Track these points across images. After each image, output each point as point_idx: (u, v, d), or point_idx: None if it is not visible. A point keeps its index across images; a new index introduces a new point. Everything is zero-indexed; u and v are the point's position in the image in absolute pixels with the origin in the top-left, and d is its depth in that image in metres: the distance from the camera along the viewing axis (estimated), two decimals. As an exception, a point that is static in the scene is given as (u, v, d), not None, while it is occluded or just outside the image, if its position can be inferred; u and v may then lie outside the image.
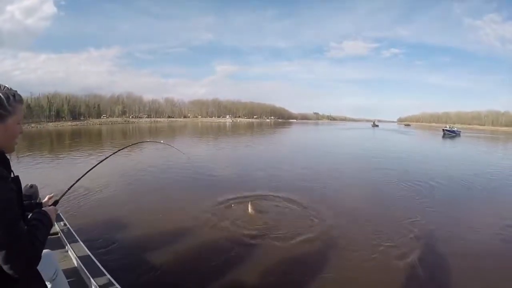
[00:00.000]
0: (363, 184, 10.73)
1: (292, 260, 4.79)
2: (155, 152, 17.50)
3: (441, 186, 10.22)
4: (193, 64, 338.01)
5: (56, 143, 28.73)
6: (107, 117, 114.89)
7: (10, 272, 1.16)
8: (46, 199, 1.89)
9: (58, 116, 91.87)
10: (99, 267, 3.01)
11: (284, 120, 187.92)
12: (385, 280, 4.32)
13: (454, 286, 4.29)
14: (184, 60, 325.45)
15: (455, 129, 55.34)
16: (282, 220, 6.37)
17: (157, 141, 5.03)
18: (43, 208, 1.58)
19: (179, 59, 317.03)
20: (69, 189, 2.08)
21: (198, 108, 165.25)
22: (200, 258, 4.80)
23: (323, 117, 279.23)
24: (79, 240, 3.61)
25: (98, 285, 2.70)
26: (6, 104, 1.30)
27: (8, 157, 1.37)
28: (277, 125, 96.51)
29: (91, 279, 2.78)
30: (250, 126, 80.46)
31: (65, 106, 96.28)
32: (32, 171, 11.79)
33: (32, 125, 71.21)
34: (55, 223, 3.22)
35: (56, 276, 2.07)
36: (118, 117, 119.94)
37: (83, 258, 3.17)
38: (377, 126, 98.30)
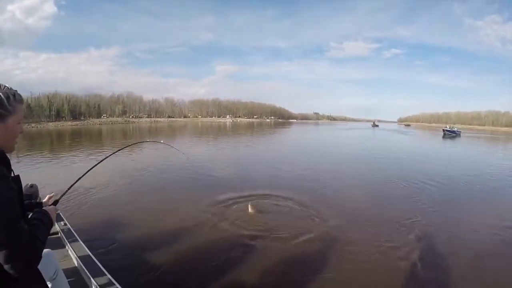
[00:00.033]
0: (363, 184, 10.73)
1: (292, 260, 4.79)
2: (155, 152, 17.50)
3: (441, 186, 10.21)
4: (193, 64, 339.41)
5: (56, 143, 28.71)
6: (107, 117, 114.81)
7: (10, 271, 1.16)
8: (46, 198, 1.90)
9: (58, 116, 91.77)
10: (99, 267, 3.01)
11: (284, 120, 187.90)
12: (386, 280, 4.32)
13: (454, 286, 4.28)
14: (184, 60, 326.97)
15: (455, 129, 55.33)
16: (282, 220, 6.37)
17: (157, 141, 5.03)
18: (43, 208, 1.58)
19: (179, 58, 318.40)
20: (69, 188, 2.09)
21: (198, 108, 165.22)
22: (200, 258, 4.80)
23: (323, 117, 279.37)
24: (79, 239, 3.61)
25: (99, 285, 2.70)
26: (7, 104, 1.30)
27: (8, 156, 1.37)
28: (277, 125, 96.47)
29: (92, 279, 2.78)
30: (250, 126, 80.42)
31: (65, 106, 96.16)
32: (32, 170, 11.79)
33: (32, 124, 71.10)
34: (55, 222, 3.22)
35: (57, 275, 2.06)
36: (118, 117, 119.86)
37: (83, 258, 3.17)
38: (377, 126, 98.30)
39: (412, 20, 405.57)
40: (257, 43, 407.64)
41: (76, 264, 3.22)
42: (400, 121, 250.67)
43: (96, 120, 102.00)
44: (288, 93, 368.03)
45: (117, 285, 2.73)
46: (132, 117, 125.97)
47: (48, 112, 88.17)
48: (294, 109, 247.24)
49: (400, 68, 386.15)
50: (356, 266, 4.62)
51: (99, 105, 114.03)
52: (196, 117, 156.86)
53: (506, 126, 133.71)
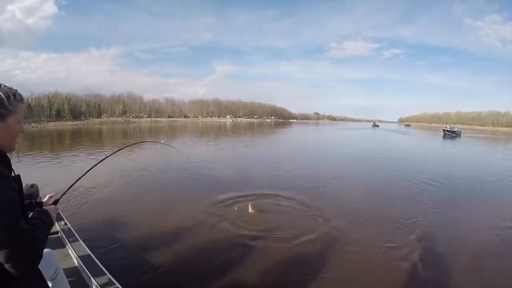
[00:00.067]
0: (363, 184, 10.72)
1: (292, 260, 4.79)
2: (156, 152, 17.51)
3: (442, 186, 10.21)
4: (193, 64, 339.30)
5: (57, 143, 28.72)
6: (107, 117, 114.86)
7: (11, 270, 1.16)
8: (46, 198, 1.90)
9: (59, 115, 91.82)
10: (99, 267, 3.01)
11: (284, 120, 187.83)
12: (386, 280, 4.32)
13: (455, 286, 4.28)
14: (184, 60, 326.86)
15: (456, 129, 55.31)
16: (282, 220, 6.37)
17: (158, 141, 5.02)
18: (43, 207, 1.58)
19: (179, 58, 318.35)
20: (69, 188, 2.09)
21: (198, 108, 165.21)
22: (200, 258, 4.80)
23: (323, 117, 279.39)
24: (79, 239, 3.61)
25: (99, 285, 2.70)
26: (7, 103, 1.30)
27: (9, 156, 1.37)
28: (277, 125, 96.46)
29: (92, 278, 2.78)
30: (250, 126, 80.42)
31: (66, 106, 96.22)
32: (33, 170, 11.80)
33: (33, 124, 71.13)
34: (56, 222, 3.22)
35: (57, 275, 2.06)
36: (118, 116, 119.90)
37: (83, 258, 3.17)
38: (377, 126, 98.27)
39: (412, 20, 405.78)
40: (257, 43, 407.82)
41: (77, 264, 3.22)
42: (400, 121, 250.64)
43: (97, 120, 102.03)
44: (288, 93, 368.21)
45: (118, 284, 2.73)
46: (133, 117, 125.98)
47: (48, 112, 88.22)
48: (294, 109, 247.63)
49: (400, 68, 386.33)
50: (357, 266, 4.62)
51: (99, 105, 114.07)
52: (197, 117, 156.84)
53: (507, 126, 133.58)
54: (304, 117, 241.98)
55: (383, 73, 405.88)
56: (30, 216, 1.45)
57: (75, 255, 3.26)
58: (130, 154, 16.04)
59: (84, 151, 19.45)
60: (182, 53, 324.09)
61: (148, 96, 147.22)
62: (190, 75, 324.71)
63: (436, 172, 12.54)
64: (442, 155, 22.70)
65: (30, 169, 11.87)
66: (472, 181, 11.36)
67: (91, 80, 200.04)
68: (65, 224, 3.99)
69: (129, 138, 34.05)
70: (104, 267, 3.01)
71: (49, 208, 1.57)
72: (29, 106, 78.13)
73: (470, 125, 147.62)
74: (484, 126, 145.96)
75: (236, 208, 6.95)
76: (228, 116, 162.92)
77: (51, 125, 75.53)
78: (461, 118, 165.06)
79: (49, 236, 1.46)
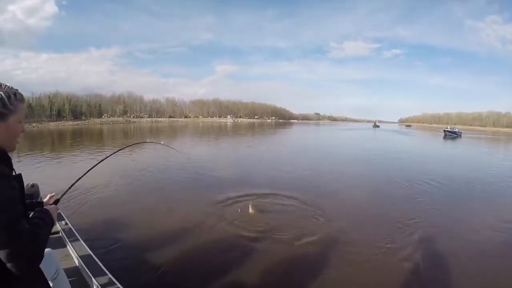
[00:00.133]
0: (364, 184, 10.71)
1: (292, 260, 4.79)
2: (156, 152, 17.49)
3: (442, 187, 10.20)
4: (193, 64, 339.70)
5: (57, 143, 28.75)
6: (108, 117, 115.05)
7: (13, 270, 1.16)
8: (47, 198, 1.89)
9: (59, 115, 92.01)
10: (100, 267, 3.00)
11: (285, 121, 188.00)
12: (387, 281, 4.32)
13: (455, 286, 4.27)
14: (184, 60, 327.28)
15: (456, 130, 55.26)
16: (282, 221, 6.37)
17: (157, 142, 5.03)
18: (44, 207, 1.58)
19: (179, 58, 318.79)
20: (69, 188, 2.09)
21: (199, 108, 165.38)
22: (201, 258, 4.80)
23: (324, 117, 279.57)
24: (80, 239, 3.61)
25: (100, 285, 2.70)
26: (8, 103, 1.30)
27: (10, 155, 1.37)
28: (278, 126, 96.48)
29: (92, 278, 2.78)
30: (251, 126, 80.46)
31: (66, 106, 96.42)
32: (33, 170, 11.80)
33: (34, 124, 71.26)
34: (56, 222, 3.22)
35: (57, 275, 2.06)
36: (119, 116, 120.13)
37: (84, 258, 3.17)
38: (378, 126, 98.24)
39: (412, 20, 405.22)
40: (257, 43, 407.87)
41: (77, 264, 3.22)
42: (401, 121, 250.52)
43: (97, 120, 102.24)
44: (288, 93, 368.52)
45: (118, 284, 2.73)
46: (133, 117, 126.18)
47: (49, 112, 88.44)
48: (294, 110, 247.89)
49: (400, 69, 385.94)
50: (358, 267, 4.61)
51: (100, 105, 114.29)
52: (197, 117, 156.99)
53: (507, 127, 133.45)
54: (305, 118, 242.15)
55: (384, 73, 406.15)
56: (31, 215, 1.44)
57: (76, 255, 3.26)
58: (131, 154, 16.04)
59: (84, 151, 19.47)
60: (182, 53, 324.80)
61: (148, 96, 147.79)
62: (190, 75, 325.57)
63: (437, 173, 12.52)
64: (442, 156, 22.69)
65: (30, 169, 11.88)
66: (472, 181, 11.34)
67: (92, 80, 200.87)
68: (66, 224, 3.99)
69: (130, 138, 34.08)
70: (105, 267, 3.01)
71: (50, 207, 1.57)
72: (29, 106, 78.25)
73: (470, 125, 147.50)
74: (485, 126, 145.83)
75: (237, 209, 6.94)
76: (228, 116, 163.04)
77: (52, 125, 75.69)
78: (462, 119, 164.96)
79: (50, 236, 1.45)
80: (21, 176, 1.42)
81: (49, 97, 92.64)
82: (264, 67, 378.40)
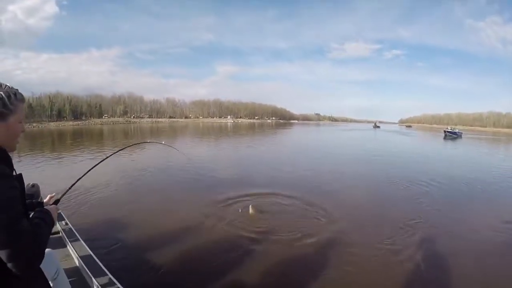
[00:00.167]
0: (364, 185, 10.70)
1: (292, 261, 4.78)
2: (156, 152, 17.49)
3: (443, 187, 10.20)
4: (194, 64, 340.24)
5: (58, 143, 28.77)
6: (108, 117, 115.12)
7: (13, 270, 1.16)
8: (47, 198, 1.89)
9: (60, 116, 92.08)
10: (100, 267, 3.00)
11: (285, 121, 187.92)
12: (388, 282, 4.31)
13: (455, 286, 4.27)
14: (185, 61, 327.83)
15: (457, 130, 55.22)
16: (283, 221, 6.36)
17: (158, 142, 5.05)
18: (44, 207, 1.58)
19: (180, 59, 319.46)
20: (70, 188, 2.09)
21: (199, 108, 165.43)
22: (201, 258, 4.80)
23: (324, 118, 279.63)
24: (80, 239, 3.61)
25: (100, 285, 2.69)
26: (8, 103, 1.30)
27: (10, 155, 1.37)
28: (278, 126, 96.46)
29: (93, 278, 2.77)
30: (251, 127, 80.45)
31: (67, 106, 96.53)
32: (33, 170, 11.80)
33: (34, 124, 71.35)
34: (57, 222, 3.22)
35: (58, 275, 2.06)
36: (119, 117, 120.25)
37: (84, 258, 3.17)
38: (378, 127, 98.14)
39: (412, 20, 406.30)
40: (257, 43, 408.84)
41: (77, 264, 3.22)
42: (402, 122, 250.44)
43: (98, 120, 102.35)
44: (289, 94, 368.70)
45: (119, 285, 2.73)
46: (133, 117, 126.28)
47: (49, 112, 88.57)
48: (295, 110, 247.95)
49: (401, 69, 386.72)
50: (358, 267, 4.61)
51: (100, 105, 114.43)
52: (197, 117, 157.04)
53: (508, 127, 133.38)
54: (305, 118, 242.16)
55: (385, 74, 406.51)
56: (31, 216, 1.45)
57: (76, 255, 3.26)
58: (131, 155, 16.04)
59: (84, 151, 19.46)
60: (183, 53, 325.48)
61: (149, 97, 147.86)
62: (191, 76, 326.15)
63: (437, 173, 12.51)
64: (443, 156, 22.67)
65: (30, 169, 11.88)
66: (473, 182, 11.32)
67: (92, 80, 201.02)
68: (66, 224, 3.99)
69: (130, 139, 34.06)
70: (105, 267, 3.00)
71: (50, 208, 1.57)
72: (30, 106, 78.38)
73: (471, 126, 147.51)
74: (485, 127, 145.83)
75: (238, 210, 6.93)
76: (229, 117, 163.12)
77: (52, 125, 75.76)
78: (462, 119, 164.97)
79: (50, 236, 1.46)
80: (22, 176, 1.42)
81: (49, 97, 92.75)
82: (265, 68, 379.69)
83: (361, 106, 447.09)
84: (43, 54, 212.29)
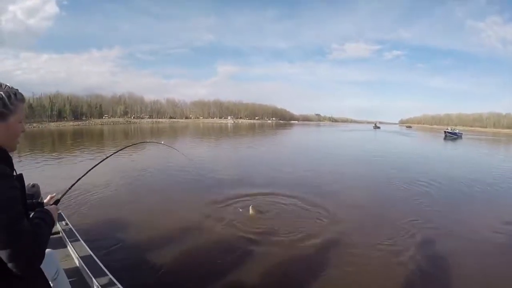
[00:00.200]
0: (364, 185, 10.70)
1: (292, 262, 4.78)
2: (156, 152, 17.50)
3: (443, 188, 10.20)
4: (194, 65, 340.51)
5: (58, 143, 28.78)
6: (109, 117, 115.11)
7: (14, 270, 1.16)
8: (47, 198, 1.89)
9: (60, 116, 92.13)
10: (101, 267, 3.00)
11: (285, 122, 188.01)
12: (388, 282, 4.30)
13: (455, 287, 4.27)
14: (186, 61, 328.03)
15: (457, 131, 55.16)
16: (283, 222, 6.36)
17: (158, 142, 5.04)
18: (45, 207, 1.58)
19: (180, 60, 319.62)
20: (70, 188, 2.09)
21: (199, 109, 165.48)
22: (201, 259, 4.80)
23: (324, 118, 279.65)
24: (80, 239, 3.60)
25: (100, 285, 2.69)
26: (8, 103, 1.30)
27: (10, 155, 1.37)
28: (278, 127, 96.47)
29: (93, 279, 2.77)
30: (251, 127, 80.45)
31: (67, 106, 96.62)
32: (34, 170, 11.81)
33: (34, 124, 71.41)
34: (57, 222, 3.22)
35: (58, 275, 2.06)
36: (120, 117, 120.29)
37: (84, 258, 3.16)
38: (378, 128, 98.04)
39: (412, 21, 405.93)
40: (258, 43, 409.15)
41: (78, 264, 3.21)
42: (402, 122, 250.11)
43: (98, 121, 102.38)
44: (289, 94, 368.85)
45: (119, 285, 2.72)
46: (134, 117, 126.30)
47: (49, 112, 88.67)
48: (295, 110, 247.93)
49: (401, 70, 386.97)
50: (358, 268, 4.60)
51: (100, 105, 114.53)
52: (198, 118, 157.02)
53: (508, 128, 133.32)
54: (305, 119, 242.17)
55: (385, 75, 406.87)
56: (31, 216, 1.45)
57: (76, 255, 3.25)
58: (131, 155, 16.04)
59: (85, 151, 19.48)
60: (183, 54, 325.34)
61: (149, 97, 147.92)
62: (192, 76, 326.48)
63: (437, 174, 12.51)
64: (443, 157, 22.66)
65: (31, 169, 11.88)
66: (473, 182, 11.31)
67: (92, 80, 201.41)
68: (66, 224, 3.99)
69: (130, 139, 34.05)
70: (105, 267, 3.00)
71: (51, 208, 1.57)
72: (30, 106, 78.47)
73: (471, 126, 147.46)
74: (485, 127, 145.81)
75: (238, 210, 6.94)
76: (229, 117, 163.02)
77: (53, 125, 75.80)
78: (462, 120, 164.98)
79: (50, 236, 1.46)
80: (22, 176, 1.42)
81: (49, 98, 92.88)
82: (265, 68, 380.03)
83: (361, 106, 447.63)
84: (44, 54, 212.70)
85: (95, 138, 35.46)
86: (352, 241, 5.57)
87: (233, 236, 5.60)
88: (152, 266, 4.43)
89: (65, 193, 2.00)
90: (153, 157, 16.18)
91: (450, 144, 36.48)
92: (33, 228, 1.27)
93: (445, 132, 53.54)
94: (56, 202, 1.83)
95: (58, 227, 3.86)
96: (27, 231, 1.20)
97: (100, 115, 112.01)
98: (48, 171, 12.04)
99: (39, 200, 2.22)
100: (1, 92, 1.30)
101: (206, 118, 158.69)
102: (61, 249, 3.52)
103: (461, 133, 55.47)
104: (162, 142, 4.95)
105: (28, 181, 1.68)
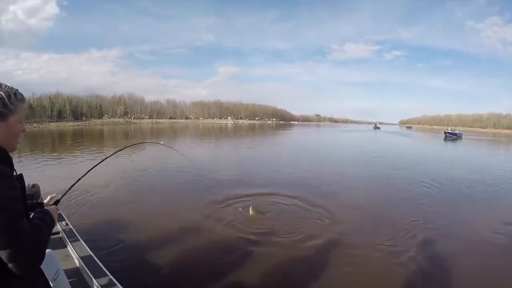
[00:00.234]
0: (365, 186, 10.70)
1: (293, 262, 4.77)
2: (156, 153, 17.49)
3: (443, 188, 10.19)
4: (194, 65, 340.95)
5: (58, 143, 28.77)
6: (109, 118, 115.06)
7: (14, 270, 1.16)
8: (47, 199, 1.89)
9: (60, 116, 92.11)
10: (101, 267, 2.99)
11: (285, 122, 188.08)
12: (389, 282, 4.30)
13: (456, 287, 4.27)
14: (186, 61, 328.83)
15: (457, 131, 55.13)
16: (283, 222, 6.35)
17: (157, 142, 5.05)
18: (44, 208, 1.57)
19: (180, 60, 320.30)
20: (70, 188, 2.08)
21: (199, 109, 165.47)
22: (201, 259, 4.79)
23: (324, 119, 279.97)
24: (80, 240, 3.60)
25: (100, 285, 2.68)
26: (8, 103, 1.30)
27: (11, 155, 1.37)
28: (278, 127, 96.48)
29: (93, 279, 2.76)
30: (251, 128, 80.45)
31: (67, 107, 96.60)
32: (33, 170, 11.80)
33: (34, 125, 71.40)
34: (57, 222, 3.21)
35: (58, 276, 2.05)
36: (120, 117, 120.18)
37: (84, 258, 3.16)
38: (378, 128, 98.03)
39: (412, 22, 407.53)
40: (258, 44, 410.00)
41: (78, 265, 3.21)
42: (402, 123, 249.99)
43: (98, 121, 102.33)
44: (289, 95, 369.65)
45: (119, 285, 2.72)
46: (134, 118, 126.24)
47: (50, 113, 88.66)
48: (295, 111, 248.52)
49: (401, 71, 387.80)
50: (359, 269, 4.60)
51: (100, 106, 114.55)
52: (198, 118, 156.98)
53: (508, 128, 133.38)
54: (305, 119, 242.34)
55: (385, 75, 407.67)
56: (31, 216, 1.44)
57: (76, 255, 3.25)
58: (130, 156, 16.04)
59: (85, 151, 19.49)
60: (183, 54, 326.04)
61: (149, 97, 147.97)
62: (192, 77, 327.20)
63: (437, 174, 12.51)
64: (443, 157, 22.65)
65: (31, 169, 11.88)
66: (473, 183, 11.30)
67: (92, 81, 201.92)
68: (66, 224, 3.98)
69: (130, 139, 34.03)
70: (106, 267, 2.99)
71: (50, 208, 1.57)
72: (30, 106, 78.48)
73: (471, 127, 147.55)
74: (485, 128, 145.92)
75: (238, 211, 6.93)
76: (229, 118, 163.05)
77: (53, 126, 75.80)
78: (462, 120, 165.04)
79: (50, 237, 1.45)
80: (23, 177, 1.42)
81: (50, 98, 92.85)
82: (265, 68, 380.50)
83: (361, 107, 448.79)
84: (44, 54, 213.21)
85: (95, 139, 35.46)
86: (353, 241, 5.56)
87: (233, 236, 5.59)
88: (152, 266, 4.42)
89: (65, 194, 2.00)
90: (153, 158, 16.18)
91: (450, 145, 36.48)
92: (33, 228, 1.27)
93: (445, 132, 53.51)
94: (56, 202, 1.83)
95: (58, 227, 3.86)
96: (27, 231, 1.20)
97: (100, 116, 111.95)
98: (48, 171, 12.03)
99: (39, 201, 2.22)
100: (1, 92, 1.30)
101: (206, 118, 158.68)
102: (61, 250, 3.51)
103: (461, 134, 55.43)
104: (162, 143, 4.95)
105: (28, 181, 1.68)
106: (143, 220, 6.38)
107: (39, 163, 13.90)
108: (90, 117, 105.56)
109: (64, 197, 1.97)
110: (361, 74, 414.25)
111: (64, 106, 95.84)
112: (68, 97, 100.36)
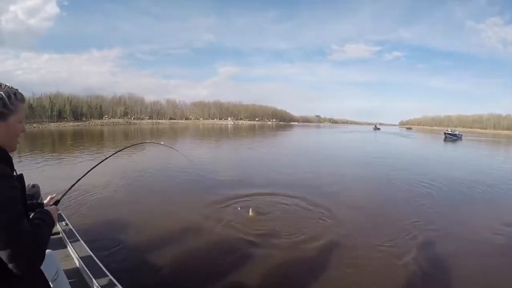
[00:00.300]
0: (365, 187, 10.69)
1: (293, 263, 4.77)
2: (156, 153, 17.48)
3: (443, 189, 10.19)
4: (194, 65, 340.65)
5: (58, 143, 28.77)
6: (109, 118, 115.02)
7: (14, 270, 1.16)
8: (47, 199, 1.89)
9: (60, 116, 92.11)
10: (101, 268, 2.98)
11: (285, 123, 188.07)
12: (389, 283, 4.30)
13: (456, 287, 4.27)
14: (186, 61, 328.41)
15: (457, 132, 55.12)
16: (282, 222, 6.35)
17: (157, 142, 5.07)
18: (44, 208, 1.57)
19: (180, 60, 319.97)
20: (70, 188, 2.08)
21: (200, 110, 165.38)
22: (202, 260, 4.79)
23: (324, 120, 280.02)
24: (80, 240, 3.59)
25: (100, 286, 2.68)
26: (8, 103, 1.30)
27: (11, 155, 1.36)
28: (278, 128, 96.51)
29: (93, 279, 2.76)
30: (252, 129, 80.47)
31: (67, 107, 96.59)
32: (33, 170, 11.80)
33: (34, 125, 71.41)
34: (57, 223, 3.21)
35: (57, 276, 2.05)
36: (120, 118, 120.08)
37: (85, 259, 3.15)
38: (378, 129, 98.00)
39: (413, 22, 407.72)
40: (258, 44, 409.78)
41: (78, 265, 3.20)
42: (402, 124, 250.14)
43: (98, 121, 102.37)
44: (289, 95, 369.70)
45: (119, 286, 2.71)
46: (134, 118, 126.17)
47: (50, 113, 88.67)
48: (295, 112, 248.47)
49: (402, 71, 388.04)
50: (359, 269, 4.60)
51: (101, 106, 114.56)
52: (198, 119, 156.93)
53: (508, 129, 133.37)
54: (305, 120, 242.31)
55: (385, 76, 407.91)
56: (31, 216, 1.44)
57: (76, 256, 3.24)
58: (131, 156, 16.04)
59: (84, 152, 19.48)
60: (183, 54, 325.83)
61: (149, 98, 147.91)
62: (192, 77, 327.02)
63: (437, 175, 12.51)
64: (443, 158, 22.63)
65: (31, 169, 11.87)
66: (473, 184, 11.30)
67: (93, 81, 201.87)
68: (66, 224, 3.98)
69: (130, 140, 34.03)
70: (106, 268, 2.99)
71: (50, 208, 1.57)
72: (30, 106, 78.51)
73: (471, 128, 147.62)
74: (485, 129, 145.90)
75: (238, 212, 6.93)
76: (229, 119, 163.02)
77: (53, 126, 75.83)
78: (462, 121, 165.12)
79: (50, 237, 1.45)
80: (23, 177, 1.42)
81: (50, 98, 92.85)
82: (266, 69, 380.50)
83: (361, 107, 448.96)
84: (44, 54, 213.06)
85: (95, 139, 35.46)
86: (353, 242, 5.56)
87: (233, 237, 5.59)
88: (152, 266, 4.42)
89: (65, 194, 2.00)
90: (153, 158, 16.17)
91: (450, 146, 36.47)
92: (33, 228, 1.27)
93: (445, 133, 53.56)
94: (56, 202, 1.83)
95: (58, 227, 3.85)
96: (27, 231, 1.20)
97: (100, 116, 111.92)
98: (48, 172, 12.03)
99: (39, 201, 2.22)
100: (1, 92, 1.29)
101: (206, 119, 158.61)
102: (61, 250, 3.51)
103: (461, 135, 55.42)
104: (162, 143, 4.95)
105: (28, 182, 1.67)
106: (143, 220, 6.38)
107: (39, 163, 13.90)
108: (90, 118, 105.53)
109: (64, 197, 1.97)
110: (361, 74, 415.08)
111: (64, 106, 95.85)
112: (68, 97, 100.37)
